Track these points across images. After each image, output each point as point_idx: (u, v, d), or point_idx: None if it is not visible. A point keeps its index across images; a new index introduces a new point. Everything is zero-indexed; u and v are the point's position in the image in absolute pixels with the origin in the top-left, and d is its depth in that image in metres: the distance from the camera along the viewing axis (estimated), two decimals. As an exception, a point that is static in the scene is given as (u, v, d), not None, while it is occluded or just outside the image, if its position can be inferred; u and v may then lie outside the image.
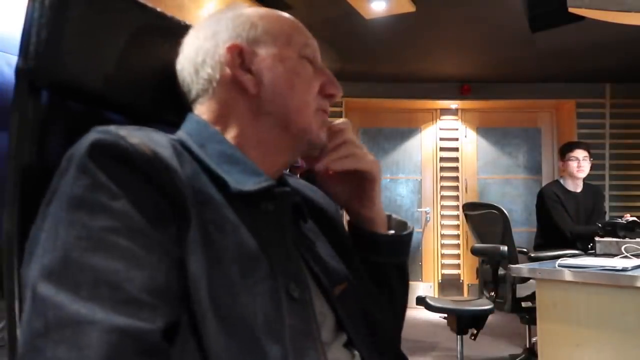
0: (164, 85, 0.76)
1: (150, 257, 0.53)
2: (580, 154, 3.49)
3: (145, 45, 0.76)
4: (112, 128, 0.57)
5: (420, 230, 5.72)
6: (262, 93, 0.71)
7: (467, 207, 3.63)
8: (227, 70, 0.71)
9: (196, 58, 0.73)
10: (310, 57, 0.75)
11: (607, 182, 5.29)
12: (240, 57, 0.71)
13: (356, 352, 0.71)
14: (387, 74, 5.23)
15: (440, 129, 5.80)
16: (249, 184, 0.65)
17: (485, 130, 5.79)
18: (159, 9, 0.79)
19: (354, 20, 3.68)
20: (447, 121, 5.81)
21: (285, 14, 0.77)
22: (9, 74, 0.74)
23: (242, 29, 0.73)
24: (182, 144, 0.66)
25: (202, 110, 0.73)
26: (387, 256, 0.84)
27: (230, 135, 0.71)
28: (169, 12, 0.81)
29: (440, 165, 5.75)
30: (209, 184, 0.63)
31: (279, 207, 0.68)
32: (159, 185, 0.56)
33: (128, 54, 0.74)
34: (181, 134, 0.70)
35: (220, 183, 0.64)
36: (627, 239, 2.42)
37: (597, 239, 2.52)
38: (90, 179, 0.54)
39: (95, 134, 0.56)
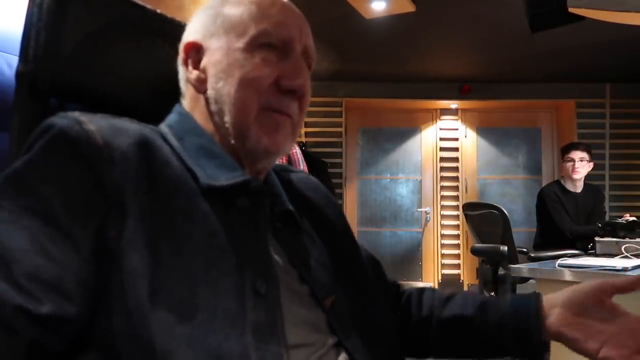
0: (164, 86, 0.76)
1: (52, 247, 0.53)
2: (576, 155, 3.48)
3: (144, 46, 0.77)
4: (76, 114, 0.58)
5: (420, 230, 5.72)
6: (208, 92, 0.69)
7: (467, 207, 3.63)
8: (183, 69, 0.71)
9: (179, 55, 0.74)
10: (272, 43, 0.68)
11: (607, 182, 5.28)
12: (197, 54, 0.70)
13: (343, 354, 0.68)
14: (387, 74, 5.23)
15: (440, 129, 5.80)
16: (222, 179, 0.64)
17: (485, 130, 5.79)
18: (158, 11, 0.79)
19: (354, 20, 3.68)
20: (447, 121, 5.81)
21: None
22: (10, 74, 0.75)
23: (207, 21, 0.71)
24: (162, 136, 0.66)
25: (184, 105, 0.74)
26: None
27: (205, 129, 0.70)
28: (169, 12, 0.81)
29: (440, 165, 5.74)
30: (185, 175, 0.63)
31: (255, 203, 0.67)
32: (97, 175, 0.56)
33: (127, 55, 0.74)
34: (163, 126, 0.70)
35: (195, 176, 0.64)
36: (627, 239, 2.42)
37: (597, 239, 2.52)
38: (31, 158, 0.56)
39: (55, 117, 0.58)
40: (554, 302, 0.77)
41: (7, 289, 0.50)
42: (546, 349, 0.77)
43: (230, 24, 0.69)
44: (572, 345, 0.74)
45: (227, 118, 0.67)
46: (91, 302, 0.54)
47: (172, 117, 0.72)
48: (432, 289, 0.90)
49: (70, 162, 0.56)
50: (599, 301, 0.74)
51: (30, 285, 0.51)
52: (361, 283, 0.79)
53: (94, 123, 0.58)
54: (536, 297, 0.78)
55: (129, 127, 0.61)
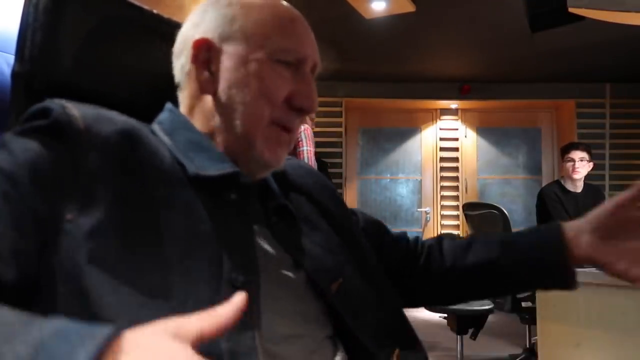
0: (161, 87, 0.76)
1: (3, 207, 0.52)
2: (576, 155, 3.48)
3: (142, 46, 0.76)
4: (63, 101, 0.60)
5: (420, 230, 5.72)
6: (219, 94, 0.69)
7: (467, 207, 3.63)
8: (190, 65, 0.70)
9: (178, 45, 0.73)
10: (289, 62, 0.69)
11: (607, 182, 5.29)
12: (208, 52, 0.69)
13: (341, 353, 0.68)
14: (387, 74, 5.23)
15: (440, 129, 5.81)
16: (211, 170, 0.64)
17: (485, 130, 5.79)
18: (155, 11, 0.79)
19: (354, 20, 3.69)
20: (447, 121, 5.81)
21: (281, 8, 0.72)
22: (9, 74, 0.75)
23: (222, 22, 0.70)
24: (152, 131, 0.67)
25: (181, 98, 0.74)
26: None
27: (198, 127, 0.70)
28: (169, 12, 0.81)
29: (440, 165, 5.75)
30: (174, 166, 0.63)
31: (243, 197, 0.66)
32: (73, 159, 0.56)
33: (124, 55, 0.74)
34: (154, 123, 0.70)
35: (184, 168, 0.64)
36: (627, 239, 2.42)
37: (597, 239, 2.52)
38: (20, 128, 0.58)
39: (44, 102, 0.59)
40: (581, 228, 0.78)
41: None
42: (574, 277, 0.78)
43: (249, 32, 0.69)
44: (605, 269, 0.76)
45: (236, 124, 0.68)
46: (26, 275, 0.52)
47: (162, 115, 0.72)
48: (450, 237, 0.91)
49: (50, 141, 0.57)
50: (623, 218, 0.75)
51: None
52: (366, 264, 0.78)
53: (79, 109, 0.59)
54: (558, 227, 0.79)
55: (117, 117, 0.62)
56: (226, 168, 0.65)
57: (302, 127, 3.09)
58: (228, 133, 0.69)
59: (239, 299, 0.41)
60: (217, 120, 0.69)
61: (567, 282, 0.79)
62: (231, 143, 0.69)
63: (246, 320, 0.59)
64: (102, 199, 0.56)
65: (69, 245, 0.54)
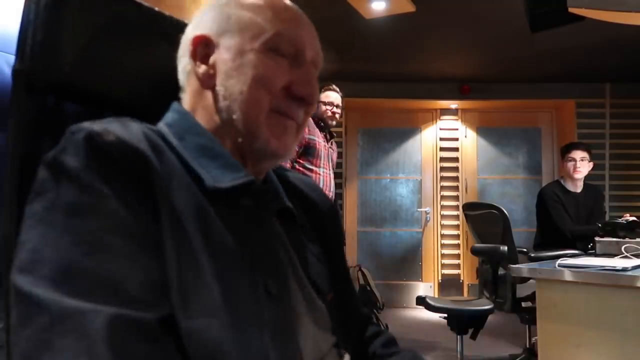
0: (162, 85, 0.75)
1: (143, 254, 0.53)
2: (577, 155, 3.49)
3: (143, 44, 0.76)
4: (86, 125, 0.57)
5: (420, 230, 5.71)
6: (218, 87, 0.68)
7: (467, 207, 3.63)
8: (190, 62, 0.71)
9: (181, 48, 0.73)
10: (284, 50, 0.69)
11: (607, 182, 5.28)
12: (206, 47, 0.70)
13: (346, 355, 0.69)
14: (387, 74, 5.23)
15: (440, 129, 5.80)
16: (226, 180, 0.64)
17: (485, 130, 5.79)
18: (156, 9, 0.79)
19: (354, 20, 3.68)
20: (447, 121, 5.81)
21: (275, 0, 0.72)
22: (9, 74, 0.75)
23: (219, 18, 0.71)
24: (161, 136, 0.65)
25: (184, 99, 0.73)
26: None
27: (203, 125, 0.70)
28: (169, 13, 0.81)
29: (440, 165, 5.74)
30: (186, 177, 0.62)
31: (258, 204, 0.67)
32: (138, 180, 0.56)
33: (125, 54, 0.74)
34: (161, 124, 0.69)
35: (198, 177, 0.63)
36: (627, 239, 2.42)
37: (597, 239, 2.52)
38: (75, 182, 0.54)
39: (76, 135, 0.56)
40: None
41: (132, 310, 0.50)
42: None
43: (244, 25, 0.69)
44: None
45: (236, 115, 0.67)
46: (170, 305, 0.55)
47: (171, 116, 0.71)
48: (391, 339, 0.84)
49: (113, 174, 0.55)
50: None
51: (147, 295, 0.52)
52: (347, 282, 0.80)
53: (110, 132, 0.57)
54: None
55: (136, 131, 0.60)
56: (241, 177, 0.65)
57: None
58: (231, 127, 0.68)
59: None
60: (219, 115, 0.69)
61: None
62: (236, 139, 0.68)
63: (285, 327, 0.61)
64: (163, 214, 0.56)
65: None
